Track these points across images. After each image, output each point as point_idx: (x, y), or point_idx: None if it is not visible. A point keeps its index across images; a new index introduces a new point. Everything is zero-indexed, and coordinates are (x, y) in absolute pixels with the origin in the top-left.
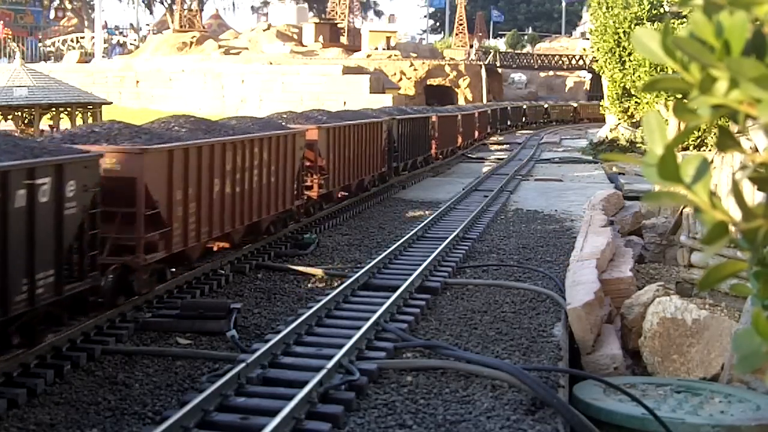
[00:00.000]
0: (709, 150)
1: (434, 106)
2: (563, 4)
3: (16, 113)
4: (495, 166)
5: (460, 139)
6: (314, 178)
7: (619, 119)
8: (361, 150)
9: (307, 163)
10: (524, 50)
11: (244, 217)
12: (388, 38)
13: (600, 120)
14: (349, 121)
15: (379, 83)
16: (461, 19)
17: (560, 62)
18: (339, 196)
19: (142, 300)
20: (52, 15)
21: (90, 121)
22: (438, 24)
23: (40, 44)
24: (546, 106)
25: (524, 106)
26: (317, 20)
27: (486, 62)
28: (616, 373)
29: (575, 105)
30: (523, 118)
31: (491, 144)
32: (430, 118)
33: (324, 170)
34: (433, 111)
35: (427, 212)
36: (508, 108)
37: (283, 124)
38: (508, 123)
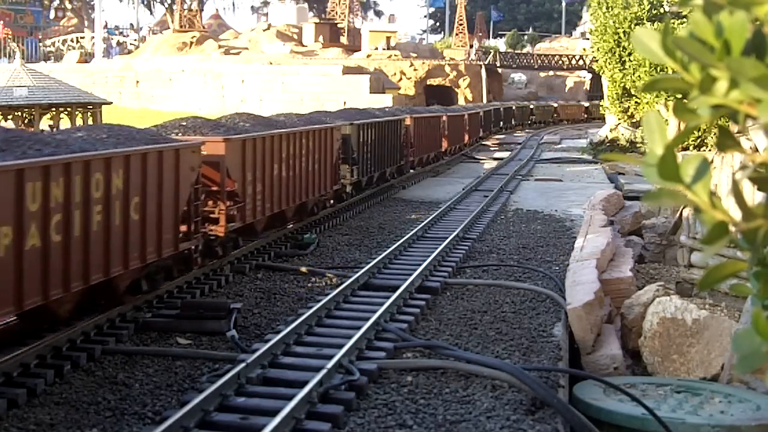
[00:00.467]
0: (709, 150)
1: (434, 105)
2: (563, 4)
3: (16, 113)
4: (495, 166)
5: (445, 144)
6: (221, 208)
7: (619, 119)
8: (300, 165)
9: (213, 188)
10: (524, 50)
11: (72, 280)
12: (388, 38)
13: (579, 121)
14: (278, 130)
15: (379, 83)
16: (461, 19)
17: (560, 62)
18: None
19: (142, 300)
20: (52, 15)
21: (90, 121)
22: (438, 24)
23: (40, 44)
24: (531, 107)
25: (513, 107)
26: (317, 20)
27: (486, 62)
28: (616, 373)
29: (555, 105)
30: (512, 120)
31: (491, 145)
32: (402, 121)
33: (237, 196)
34: (408, 112)
35: (427, 212)
36: (501, 109)
37: (178, 134)
38: (501, 124)
